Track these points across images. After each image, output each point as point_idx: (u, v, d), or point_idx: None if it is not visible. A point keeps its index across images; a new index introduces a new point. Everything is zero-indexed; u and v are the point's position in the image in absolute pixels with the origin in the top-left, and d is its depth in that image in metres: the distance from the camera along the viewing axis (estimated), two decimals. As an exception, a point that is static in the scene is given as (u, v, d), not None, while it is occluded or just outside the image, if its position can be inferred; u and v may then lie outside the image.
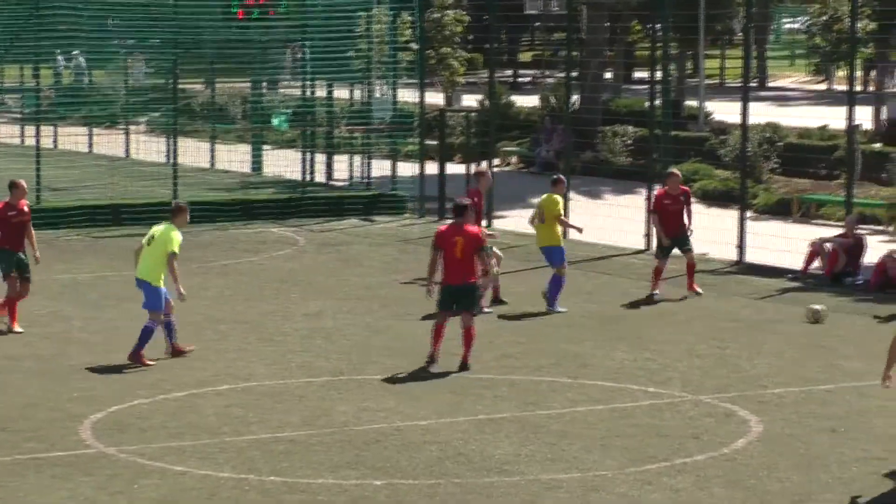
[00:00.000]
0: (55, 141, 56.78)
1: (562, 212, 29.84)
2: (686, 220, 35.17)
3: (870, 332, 29.62)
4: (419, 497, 18.00)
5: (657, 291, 34.22)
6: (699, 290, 33.63)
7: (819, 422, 22.43)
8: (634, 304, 33.71)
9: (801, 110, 61.71)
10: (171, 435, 21.10)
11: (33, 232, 28.23)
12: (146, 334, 24.45)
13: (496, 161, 39.17)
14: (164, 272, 24.88)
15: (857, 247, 36.08)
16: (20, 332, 27.65)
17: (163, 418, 22.13)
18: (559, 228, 30.95)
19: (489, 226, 36.32)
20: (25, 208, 27.77)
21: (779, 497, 18.66)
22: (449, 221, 27.29)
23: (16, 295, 27.95)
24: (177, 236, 25.03)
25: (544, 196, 29.42)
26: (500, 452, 20.24)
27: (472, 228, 25.90)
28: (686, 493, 18.49)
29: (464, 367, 24.72)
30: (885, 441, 21.42)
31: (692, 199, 36.68)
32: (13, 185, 28.42)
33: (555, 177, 31.52)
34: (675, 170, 36.69)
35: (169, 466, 19.21)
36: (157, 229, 25.50)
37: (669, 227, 34.53)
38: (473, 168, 42.19)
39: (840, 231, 37.91)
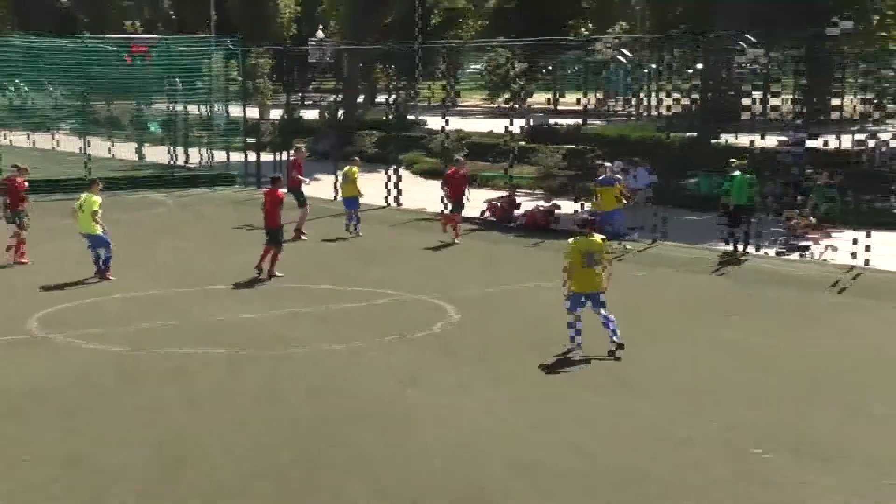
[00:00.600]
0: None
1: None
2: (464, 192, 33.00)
3: (525, 254, 29.96)
4: (248, 361, 18.37)
5: (459, 241, 31.30)
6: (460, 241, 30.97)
7: (495, 312, 22.58)
8: (383, 243, 32.33)
9: (480, 121, 61.79)
10: (87, 325, 20.81)
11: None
12: (108, 261, 24.74)
13: (292, 152, 39.09)
14: (94, 223, 24.58)
15: (513, 203, 35.94)
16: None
17: (80, 315, 21.87)
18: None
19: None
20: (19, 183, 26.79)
21: (469, 350, 19.30)
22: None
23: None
24: (97, 199, 24.97)
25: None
26: (298, 333, 20.49)
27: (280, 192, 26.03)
28: (412, 354, 18.98)
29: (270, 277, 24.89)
30: (534, 314, 22.04)
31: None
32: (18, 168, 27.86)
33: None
34: (460, 156, 35.49)
35: (86, 345, 19.34)
36: (83, 197, 25.33)
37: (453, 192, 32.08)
38: (291, 153, 41.10)
39: (503, 194, 38.11)
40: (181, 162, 51.06)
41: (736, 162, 29.94)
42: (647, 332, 20.31)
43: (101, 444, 14.20)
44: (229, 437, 14.51)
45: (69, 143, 54.31)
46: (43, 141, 57.70)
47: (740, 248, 29.00)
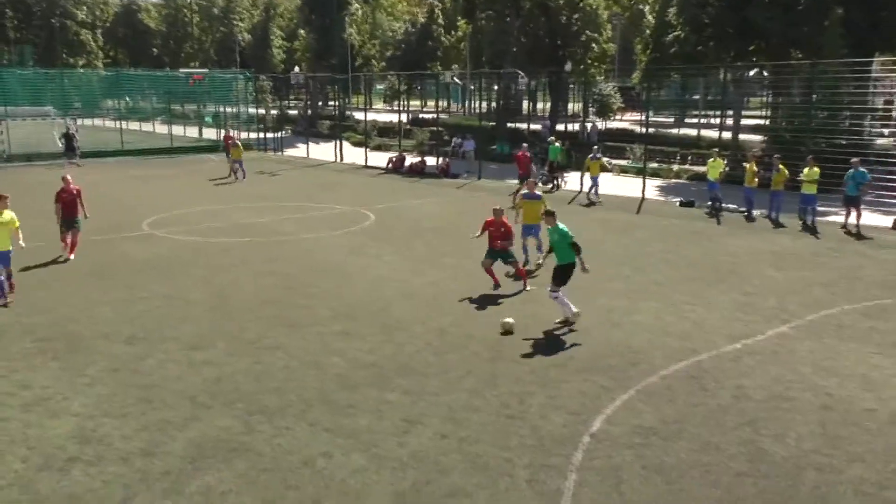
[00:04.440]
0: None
1: None
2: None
3: (409, 186, 28.27)
4: (260, 244, 17.61)
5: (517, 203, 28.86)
6: None
7: (395, 216, 21.83)
8: (332, 180, 30.35)
9: (384, 115, 61.71)
10: (174, 225, 20.36)
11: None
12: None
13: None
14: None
15: (403, 159, 33.70)
16: None
17: (171, 221, 21.17)
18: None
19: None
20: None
21: (382, 237, 18.83)
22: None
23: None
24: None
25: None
26: (287, 228, 19.55)
27: None
28: (351, 238, 18.66)
29: None
30: (415, 217, 21.13)
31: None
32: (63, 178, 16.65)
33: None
34: (525, 145, 31.22)
35: (173, 237, 19.03)
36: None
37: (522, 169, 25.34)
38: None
39: (397, 154, 34.82)
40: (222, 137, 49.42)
41: (553, 138, 30.54)
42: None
43: (184, 289, 14.05)
44: (251, 283, 14.44)
45: (161, 128, 52.43)
46: (146, 126, 55.38)
47: (549, 186, 28.30)
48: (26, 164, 35.57)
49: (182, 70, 59.24)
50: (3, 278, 12.73)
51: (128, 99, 54.70)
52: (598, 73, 54.31)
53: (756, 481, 7.07)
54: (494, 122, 46.78)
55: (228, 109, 51.04)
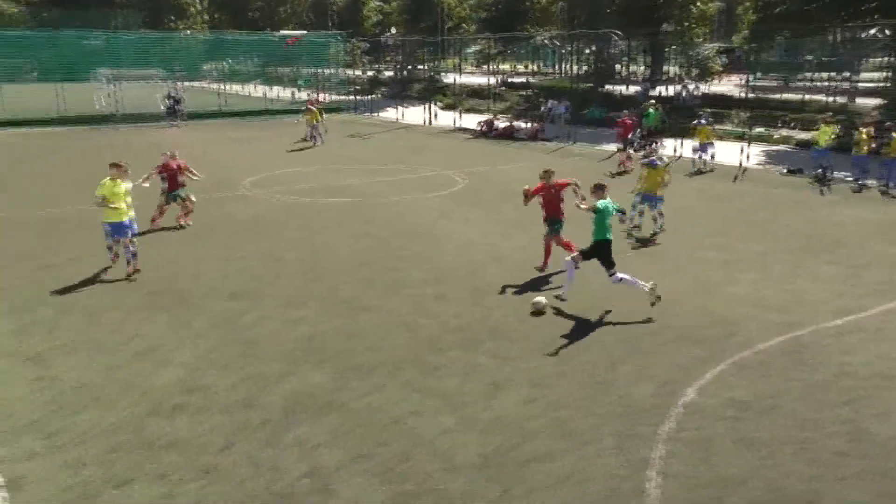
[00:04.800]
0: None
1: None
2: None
3: (500, 150, 28.06)
4: (355, 205, 17.77)
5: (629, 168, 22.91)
6: None
7: (486, 180, 21.81)
8: (423, 143, 30.56)
9: (475, 78, 61.80)
10: (271, 186, 20.73)
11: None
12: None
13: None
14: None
15: (492, 123, 33.84)
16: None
17: (268, 181, 21.48)
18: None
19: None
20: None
21: (472, 201, 18.80)
22: None
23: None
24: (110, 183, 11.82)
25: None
26: (379, 190, 19.71)
27: None
28: (441, 202, 18.52)
29: None
30: (506, 181, 21.54)
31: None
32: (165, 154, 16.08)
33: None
34: (627, 111, 27.28)
35: (270, 197, 19.39)
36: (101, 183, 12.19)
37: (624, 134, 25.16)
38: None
39: (487, 117, 35.11)
40: (319, 99, 50.01)
41: (650, 102, 29.18)
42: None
43: (280, 248, 14.45)
44: (344, 244, 14.71)
45: (257, 90, 53.76)
46: (244, 90, 56.88)
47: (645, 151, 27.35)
48: (134, 124, 37.16)
49: (278, 33, 60.40)
50: (131, 248, 12.08)
51: (227, 62, 56.11)
52: (698, 35, 52.16)
53: (857, 461, 6.82)
54: (588, 86, 45.80)
55: (322, 72, 51.76)
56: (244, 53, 57.41)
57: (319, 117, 30.53)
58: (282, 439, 7.20)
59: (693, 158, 24.38)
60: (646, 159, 15.36)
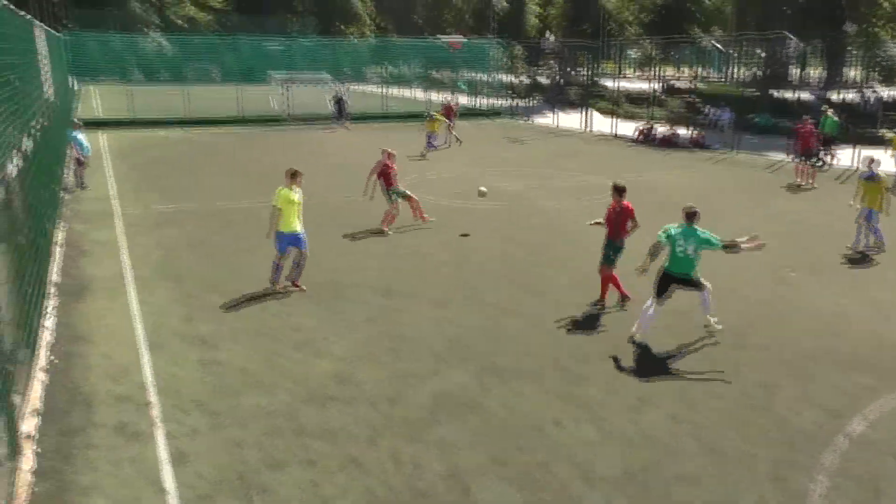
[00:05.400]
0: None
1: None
2: None
3: (660, 157, 27.45)
4: (504, 209, 17.94)
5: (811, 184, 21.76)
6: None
7: (642, 188, 22.58)
8: (579, 149, 31.52)
9: (634, 83, 60.25)
10: (429, 190, 21.63)
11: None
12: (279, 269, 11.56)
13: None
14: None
15: (651, 129, 32.81)
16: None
17: (425, 186, 22.70)
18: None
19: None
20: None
21: (636, 207, 19.63)
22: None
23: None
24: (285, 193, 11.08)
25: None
26: (530, 195, 19.77)
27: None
28: (592, 207, 18.21)
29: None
30: (665, 186, 21.70)
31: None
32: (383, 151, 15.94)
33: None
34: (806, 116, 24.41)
35: (429, 198, 19.55)
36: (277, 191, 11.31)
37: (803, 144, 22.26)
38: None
39: (645, 123, 34.14)
40: (476, 104, 50.35)
41: (828, 108, 27.15)
42: (718, 202, 18.92)
43: (434, 248, 14.68)
44: (494, 245, 14.77)
45: (418, 94, 54.89)
46: (406, 93, 58.20)
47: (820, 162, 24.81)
48: (303, 125, 39.18)
49: (441, 37, 61.68)
50: (300, 261, 11.56)
51: (390, 66, 57.91)
52: (887, 34, 48.08)
53: None
54: (757, 91, 43.44)
55: (482, 77, 52.31)
56: (407, 57, 59.09)
57: (437, 126, 29.15)
58: (424, 437, 7.34)
59: None
60: (862, 173, 14.41)
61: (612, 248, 10.97)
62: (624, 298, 11.02)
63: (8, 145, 8.15)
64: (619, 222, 10.81)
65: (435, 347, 9.59)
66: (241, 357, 9.23)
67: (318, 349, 9.52)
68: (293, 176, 11.31)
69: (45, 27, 23.07)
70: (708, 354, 9.39)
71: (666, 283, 9.70)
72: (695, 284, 9.75)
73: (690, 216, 9.55)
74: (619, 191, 10.87)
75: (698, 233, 9.49)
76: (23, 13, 14.32)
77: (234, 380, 8.58)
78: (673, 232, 9.60)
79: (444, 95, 44.56)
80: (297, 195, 11.31)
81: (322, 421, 7.65)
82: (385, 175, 15.71)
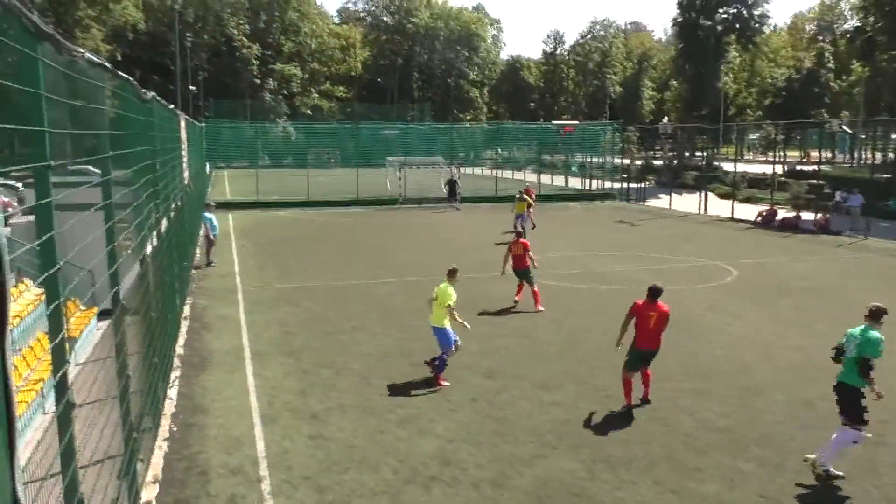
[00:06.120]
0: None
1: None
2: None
3: (780, 242, 26.62)
4: (613, 292, 17.43)
5: None
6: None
7: (762, 273, 20.89)
8: (694, 232, 30.32)
9: (755, 166, 58.26)
10: (544, 270, 22.47)
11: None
12: (442, 364, 11.34)
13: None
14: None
15: (774, 213, 31.81)
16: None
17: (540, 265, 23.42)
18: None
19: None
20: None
21: (744, 294, 17.98)
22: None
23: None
24: (452, 292, 11.25)
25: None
26: (643, 278, 18.88)
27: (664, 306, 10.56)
28: (710, 293, 17.77)
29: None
30: (786, 276, 20.53)
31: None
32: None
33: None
34: None
35: (535, 280, 20.16)
36: (438, 287, 11.45)
37: None
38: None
39: (768, 207, 35.00)
40: (587, 186, 50.37)
41: None
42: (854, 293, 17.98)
43: (538, 329, 14.50)
44: (603, 328, 14.35)
45: (530, 177, 55.17)
46: (518, 175, 58.87)
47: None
48: (416, 206, 40.25)
49: (554, 122, 62.67)
50: (444, 357, 11.31)
51: (500, 150, 58.93)
52: None
53: None
54: (889, 175, 41.38)
55: (594, 159, 52.50)
56: (519, 141, 60.20)
57: (527, 208, 28.54)
58: (528, 524, 7.12)
59: None
60: None
61: (642, 355, 10.11)
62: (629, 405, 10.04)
63: (149, 227, 8.81)
64: (658, 328, 10.04)
65: (540, 430, 9.39)
66: (347, 432, 9.32)
67: (421, 427, 9.50)
68: (453, 273, 11.52)
69: (187, 117, 25.03)
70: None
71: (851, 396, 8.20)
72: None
73: (881, 314, 8.15)
74: (654, 292, 10.12)
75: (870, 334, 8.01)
76: (172, 106, 15.62)
77: (341, 455, 8.64)
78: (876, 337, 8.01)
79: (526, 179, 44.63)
80: (454, 292, 11.38)
81: (425, 502, 7.55)
82: (518, 256, 16.39)
